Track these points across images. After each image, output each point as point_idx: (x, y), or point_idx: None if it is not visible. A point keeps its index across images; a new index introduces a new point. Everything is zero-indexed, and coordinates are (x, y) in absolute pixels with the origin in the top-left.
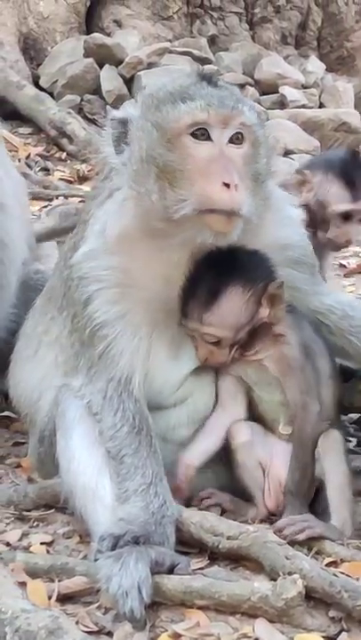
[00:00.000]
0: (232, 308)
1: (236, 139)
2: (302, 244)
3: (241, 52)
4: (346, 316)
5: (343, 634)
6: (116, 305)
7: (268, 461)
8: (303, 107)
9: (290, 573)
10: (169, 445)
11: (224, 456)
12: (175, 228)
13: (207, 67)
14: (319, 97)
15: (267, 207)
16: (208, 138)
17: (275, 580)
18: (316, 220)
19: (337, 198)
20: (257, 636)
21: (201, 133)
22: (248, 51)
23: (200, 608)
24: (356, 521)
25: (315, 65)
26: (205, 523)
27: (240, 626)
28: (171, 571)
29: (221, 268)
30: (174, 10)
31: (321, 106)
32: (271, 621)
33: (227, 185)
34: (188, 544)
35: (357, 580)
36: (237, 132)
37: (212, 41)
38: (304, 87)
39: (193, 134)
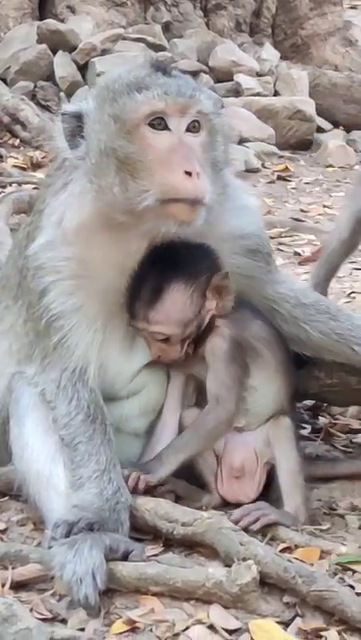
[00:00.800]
0: (176, 304)
1: (193, 127)
2: (259, 233)
3: (195, 39)
4: (299, 304)
5: (297, 619)
6: (72, 297)
7: (221, 449)
8: (258, 94)
9: (244, 559)
10: (123, 435)
11: None
12: (138, 219)
13: (161, 54)
14: (274, 85)
15: (224, 196)
16: (166, 127)
17: (229, 566)
18: None
19: None
20: (211, 621)
21: (158, 123)
22: (202, 38)
23: (155, 594)
24: (310, 507)
25: (269, 53)
26: (160, 509)
27: (195, 612)
28: (125, 557)
29: (163, 265)
30: None
31: (276, 94)
32: (226, 607)
33: (189, 173)
34: (143, 530)
35: (312, 565)
36: (194, 121)
37: (167, 28)
38: (259, 75)
39: (151, 124)
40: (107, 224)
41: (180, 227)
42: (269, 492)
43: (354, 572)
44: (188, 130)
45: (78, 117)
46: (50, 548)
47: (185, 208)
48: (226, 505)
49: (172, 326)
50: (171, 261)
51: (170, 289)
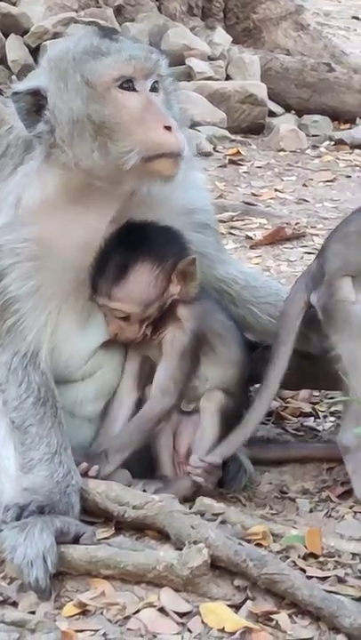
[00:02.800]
0: (140, 283)
1: (154, 88)
2: (208, 208)
3: (147, 23)
4: (248, 286)
5: (248, 602)
6: (31, 279)
7: (170, 434)
8: (210, 79)
9: (195, 542)
10: (76, 420)
11: None
12: (118, 182)
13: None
14: (226, 69)
15: None
16: (133, 89)
17: (180, 549)
18: None
19: None
20: (162, 604)
21: (127, 86)
22: (154, 21)
23: (105, 578)
24: (262, 491)
25: (221, 37)
26: (111, 492)
27: (145, 595)
28: (76, 540)
29: (132, 243)
30: None
31: (227, 78)
32: (177, 590)
33: (168, 128)
34: (94, 514)
35: (262, 548)
36: (155, 82)
37: (118, 11)
38: (210, 59)
39: (121, 87)
40: (71, 199)
41: (163, 182)
42: (224, 475)
43: (305, 555)
44: (151, 90)
45: (34, 94)
46: (0, 531)
47: (169, 162)
48: None
49: (133, 305)
50: (139, 241)
51: (136, 267)
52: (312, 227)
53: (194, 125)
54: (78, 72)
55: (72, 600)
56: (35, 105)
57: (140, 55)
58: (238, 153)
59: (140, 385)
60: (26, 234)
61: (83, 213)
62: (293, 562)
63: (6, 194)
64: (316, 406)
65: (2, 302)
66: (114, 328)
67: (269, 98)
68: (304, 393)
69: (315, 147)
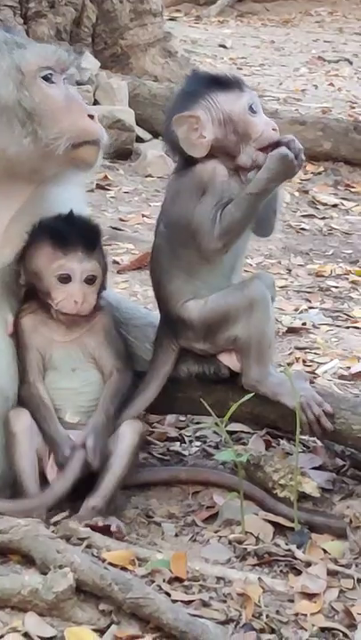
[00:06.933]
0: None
1: (63, 82)
2: (85, 204)
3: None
4: (118, 307)
5: (113, 626)
6: None
7: (45, 451)
8: None
9: (61, 567)
10: None
11: None
12: (43, 168)
13: None
14: (94, 94)
15: None
16: (52, 81)
17: (46, 573)
18: None
19: None
20: (26, 629)
21: (48, 76)
22: None
23: None
24: (127, 515)
25: (89, 61)
26: None
27: (10, 620)
28: None
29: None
30: None
31: (95, 103)
32: (41, 615)
33: (91, 117)
34: None
35: (128, 572)
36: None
37: None
38: (79, 84)
39: (43, 77)
40: None
41: (84, 169)
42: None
43: (170, 579)
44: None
45: None
46: None
47: (94, 150)
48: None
49: (100, 268)
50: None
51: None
52: None
53: None
54: (8, 57)
55: None
56: None
57: (61, 49)
58: (106, 178)
59: None
60: None
61: None
62: (159, 586)
63: None
64: (182, 431)
65: None
66: (81, 295)
67: (137, 123)
68: (170, 418)
69: None
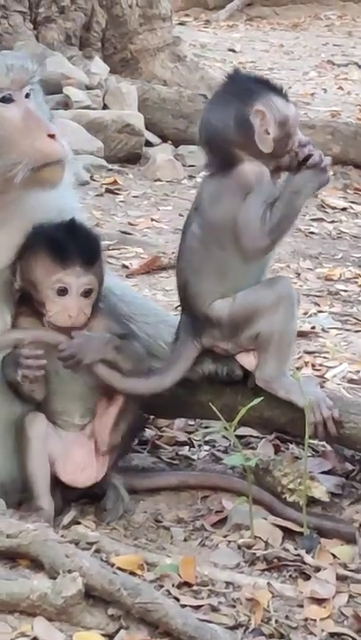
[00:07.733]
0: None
1: (27, 95)
2: (79, 208)
3: (25, 51)
4: (125, 300)
5: (122, 631)
6: None
7: (57, 456)
8: (87, 107)
9: (70, 571)
10: None
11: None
12: (2, 193)
13: None
14: (103, 98)
15: None
16: (11, 100)
17: (54, 578)
18: None
19: None
20: (35, 634)
21: (6, 97)
22: (32, 50)
23: None
24: (136, 520)
25: (99, 66)
26: None
27: (19, 624)
28: None
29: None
30: None
31: (105, 107)
32: (50, 620)
33: (52, 136)
34: None
35: (137, 577)
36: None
37: None
38: (88, 88)
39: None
40: None
41: (49, 188)
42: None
43: (179, 584)
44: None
45: None
46: None
47: (56, 170)
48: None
49: (97, 281)
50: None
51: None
52: None
53: None
54: None
55: None
56: None
57: (15, 65)
58: (115, 182)
59: None
60: None
61: None
62: (167, 590)
63: None
64: (191, 435)
65: None
66: (76, 309)
67: (146, 128)
68: (179, 422)
69: (191, 177)
